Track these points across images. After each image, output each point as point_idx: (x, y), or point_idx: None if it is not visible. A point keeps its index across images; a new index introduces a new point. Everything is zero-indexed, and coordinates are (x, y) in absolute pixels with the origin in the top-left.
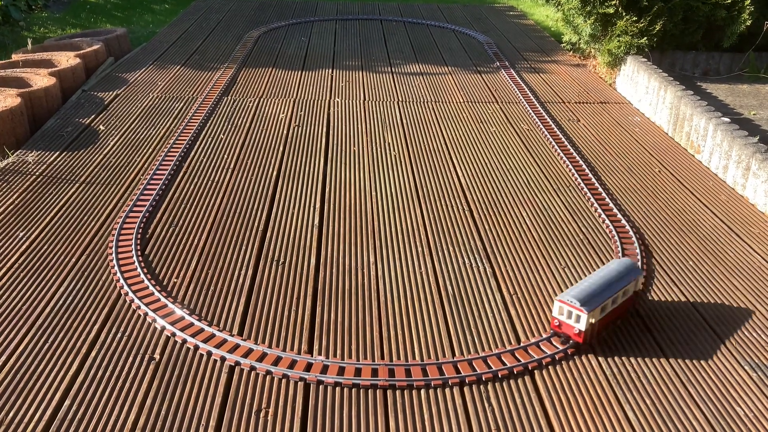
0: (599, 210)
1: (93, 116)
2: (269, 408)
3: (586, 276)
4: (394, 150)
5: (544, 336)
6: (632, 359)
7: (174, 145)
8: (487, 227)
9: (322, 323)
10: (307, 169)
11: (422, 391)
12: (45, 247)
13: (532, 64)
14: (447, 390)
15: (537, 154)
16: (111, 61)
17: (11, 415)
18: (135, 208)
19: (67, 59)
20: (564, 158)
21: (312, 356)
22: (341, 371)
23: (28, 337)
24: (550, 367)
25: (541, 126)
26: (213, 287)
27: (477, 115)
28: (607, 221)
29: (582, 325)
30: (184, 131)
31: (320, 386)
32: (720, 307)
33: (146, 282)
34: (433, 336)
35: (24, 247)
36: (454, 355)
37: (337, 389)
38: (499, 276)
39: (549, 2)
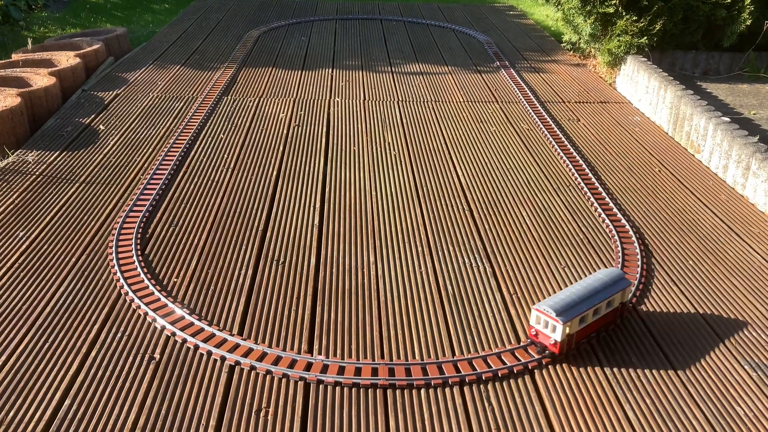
0: (599, 210)
1: (93, 116)
2: (269, 407)
3: (585, 276)
4: (394, 150)
5: None
6: (632, 359)
7: (174, 145)
8: (487, 227)
9: (322, 323)
10: (307, 168)
11: (422, 391)
12: (45, 246)
13: (532, 64)
14: (447, 389)
15: (537, 153)
16: (111, 61)
17: (11, 414)
18: (135, 208)
19: (67, 59)
20: (564, 158)
21: (312, 356)
22: (341, 371)
23: (29, 336)
24: (550, 366)
25: (541, 126)
26: (213, 287)
27: (477, 115)
28: (607, 221)
29: (558, 336)
30: (184, 131)
31: (320, 386)
32: (720, 307)
33: (146, 282)
34: (433, 335)
35: (24, 246)
36: (454, 354)
37: (337, 389)
38: (499, 275)
39: (549, 2)
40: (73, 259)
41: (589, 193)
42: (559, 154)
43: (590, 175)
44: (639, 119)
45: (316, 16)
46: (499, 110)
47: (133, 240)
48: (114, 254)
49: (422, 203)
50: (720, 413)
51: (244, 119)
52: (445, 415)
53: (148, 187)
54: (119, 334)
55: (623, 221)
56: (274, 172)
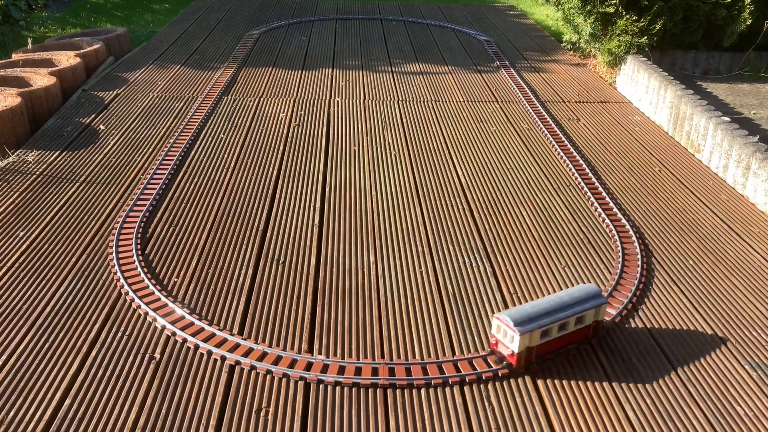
0: (599, 209)
1: (93, 116)
2: (269, 407)
3: (585, 275)
4: (394, 149)
5: None
6: (632, 359)
7: (174, 145)
8: (487, 226)
9: (322, 322)
10: (307, 168)
11: (422, 390)
12: (45, 246)
13: (532, 64)
14: (447, 389)
15: (537, 153)
16: (111, 61)
17: (12, 414)
18: (135, 208)
19: (67, 59)
20: (564, 157)
21: (312, 355)
22: (341, 370)
23: (29, 336)
24: (550, 366)
25: (541, 125)
26: (213, 287)
27: (477, 115)
28: (607, 221)
29: (515, 347)
30: (185, 131)
31: (320, 385)
32: (720, 307)
33: (146, 281)
34: (434, 335)
35: (24, 246)
36: (454, 354)
37: (338, 388)
38: (499, 275)
39: (549, 1)
40: (74, 259)
41: (589, 193)
42: (559, 153)
43: (590, 174)
44: (639, 119)
45: (316, 16)
46: (499, 110)
47: (134, 240)
48: (114, 254)
49: (422, 203)
50: (720, 413)
51: (245, 119)
52: (446, 414)
53: (149, 186)
54: (119, 334)
55: (623, 221)
56: (275, 172)
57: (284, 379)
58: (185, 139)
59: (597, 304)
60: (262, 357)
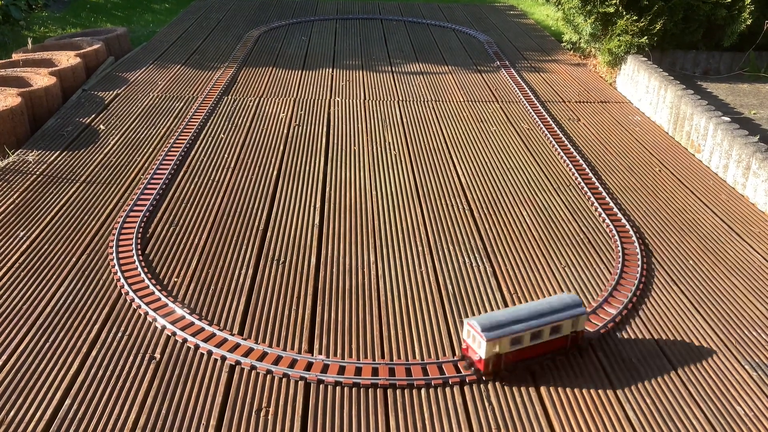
0: (599, 209)
1: (93, 116)
2: (270, 407)
3: (585, 275)
4: (395, 149)
5: None
6: (632, 359)
7: (174, 145)
8: (487, 226)
9: (322, 322)
10: (307, 168)
11: (422, 391)
12: (45, 246)
13: (532, 64)
14: (447, 389)
15: (537, 153)
16: (111, 61)
17: (12, 414)
18: (135, 208)
19: (67, 59)
20: (564, 157)
21: (312, 355)
22: (342, 370)
23: (29, 336)
24: (550, 366)
25: (542, 125)
26: (213, 287)
27: (477, 115)
28: (607, 220)
29: (482, 353)
30: (185, 131)
31: (321, 385)
32: (720, 307)
33: (147, 281)
34: (434, 335)
35: (24, 246)
36: (454, 354)
37: (338, 388)
38: (499, 275)
39: (549, 1)
40: (74, 259)
41: (589, 193)
42: (559, 153)
43: (590, 174)
44: (639, 119)
45: (317, 16)
46: (499, 110)
47: (134, 240)
48: (114, 254)
49: (422, 203)
50: (720, 413)
51: (245, 119)
52: (446, 414)
53: (149, 186)
54: (120, 334)
55: (623, 221)
56: (275, 172)
57: (284, 379)
58: (185, 139)
59: (574, 314)
60: (263, 357)
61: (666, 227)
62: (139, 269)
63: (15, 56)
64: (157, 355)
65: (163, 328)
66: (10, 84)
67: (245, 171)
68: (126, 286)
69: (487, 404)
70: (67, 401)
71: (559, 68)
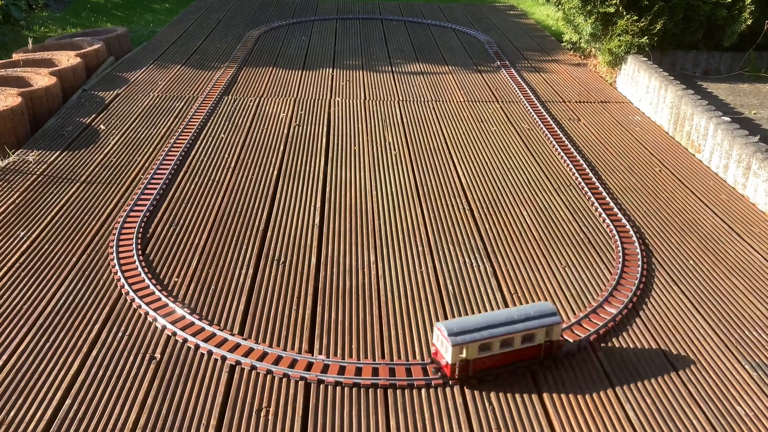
0: (600, 209)
1: (93, 116)
2: (270, 407)
3: (585, 275)
4: (395, 149)
5: None
6: (633, 359)
7: (174, 145)
8: (487, 226)
9: (322, 322)
10: (307, 168)
11: (423, 391)
12: (46, 246)
13: (532, 64)
14: (447, 389)
15: (537, 153)
16: (111, 61)
17: (12, 414)
18: (136, 208)
19: (67, 59)
20: (564, 157)
21: (313, 355)
22: (342, 370)
23: (29, 336)
24: (550, 366)
25: (542, 125)
26: (213, 287)
27: (477, 114)
28: (607, 221)
29: (449, 357)
30: (185, 131)
31: (321, 385)
32: (720, 307)
33: (147, 281)
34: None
35: (25, 246)
36: None
37: (338, 388)
38: (500, 275)
39: (549, 1)
40: (74, 259)
41: (589, 193)
42: (559, 153)
43: (591, 174)
44: (639, 119)
45: (317, 16)
46: (499, 110)
47: (134, 240)
48: (115, 254)
49: (422, 203)
50: (721, 413)
51: (245, 119)
52: (446, 414)
53: (149, 186)
54: (120, 334)
55: (624, 221)
56: (275, 172)
57: (285, 379)
58: (186, 139)
59: (548, 323)
60: (263, 357)
61: (666, 227)
62: (140, 269)
63: (15, 56)
64: (158, 355)
65: (164, 328)
66: (11, 84)
67: (245, 171)
68: (126, 286)
69: (487, 404)
70: (68, 401)
71: (559, 68)
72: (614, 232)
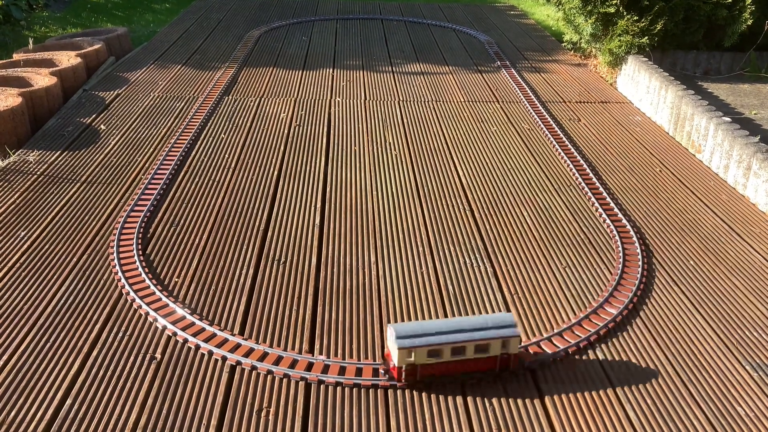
0: (600, 209)
1: (94, 116)
2: (270, 408)
3: (585, 275)
4: (395, 149)
5: (545, 335)
6: (633, 359)
7: (175, 145)
8: (487, 226)
9: (323, 323)
10: (308, 168)
11: (423, 391)
12: (46, 246)
13: (532, 64)
14: (448, 389)
15: (538, 153)
16: (112, 61)
17: (12, 414)
18: (136, 208)
19: (68, 59)
20: (565, 158)
21: (313, 356)
22: (342, 371)
23: (30, 336)
24: (551, 366)
25: (542, 125)
26: (214, 287)
27: (478, 115)
28: (608, 221)
29: (395, 360)
30: (185, 131)
31: (321, 386)
32: (720, 307)
33: (147, 281)
34: None
35: (25, 246)
36: None
37: (338, 389)
38: (500, 275)
39: (550, 2)
40: (75, 259)
41: (590, 193)
42: (559, 153)
43: (591, 175)
44: (640, 119)
45: (317, 16)
46: (499, 110)
47: (135, 240)
48: (115, 254)
49: (423, 203)
50: (721, 413)
51: (245, 119)
52: (446, 415)
53: (150, 186)
54: (120, 334)
55: (624, 221)
56: (275, 172)
57: (285, 380)
58: (186, 139)
59: (505, 335)
60: (263, 357)
61: (667, 227)
62: (140, 269)
63: (16, 56)
64: (158, 356)
65: (164, 328)
66: (11, 84)
67: (246, 171)
68: (127, 286)
69: (487, 404)
70: (68, 401)
71: (559, 68)
72: (614, 232)
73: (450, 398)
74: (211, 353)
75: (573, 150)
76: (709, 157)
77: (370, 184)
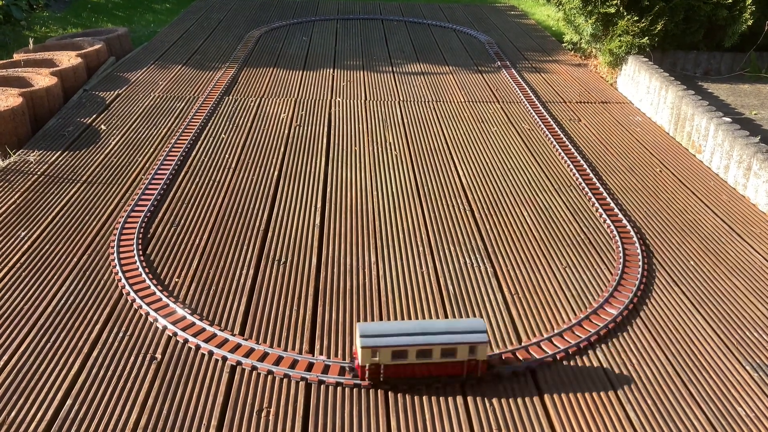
0: (600, 210)
1: (94, 116)
2: (271, 408)
3: (585, 276)
4: (395, 149)
5: (545, 336)
6: (633, 359)
7: (175, 145)
8: (488, 226)
9: (323, 323)
10: (308, 168)
11: (423, 391)
12: (47, 246)
13: (533, 64)
14: (449, 389)
15: (538, 153)
16: (112, 61)
17: (12, 414)
18: (136, 208)
19: (68, 59)
20: (565, 158)
21: (313, 356)
22: (343, 371)
23: (30, 336)
24: (551, 366)
25: (542, 126)
26: (214, 287)
27: (478, 115)
28: (608, 221)
29: (359, 359)
30: (186, 131)
31: (321, 386)
32: (720, 307)
33: (148, 282)
34: None
35: (26, 246)
36: None
37: (339, 389)
38: (500, 275)
39: (550, 2)
40: (75, 259)
41: (590, 193)
42: (560, 154)
43: (591, 175)
44: (640, 119)
45: (317, 16)
46: (500, 110)
47: (135, 240)
48: (116, 254)
49: (423, 203)
50: (721, 414)
51: (246, 119)
52: (446, 415)
53: (150, 187)
54: (121, 334)
55: (624, 221)
56: (276, 172)
57: (285, 380)
58: (186, 140)
59: (472, 340)
60: (264, 357)
61: (667, 228)
62: (140, 269)
63: (16, 56)
64: (158, 356)
65: (164, 328)
66: (12, 84)
67: (246, 171)
68: (127, 287)
69: (487, 404)
70: (68, 401)
71: (559, 69)
72: (615, 232)
73: (450, 398)
74: (211, 353)
75: (573, 150)
76: (709, 158)
77: (371, 184)
